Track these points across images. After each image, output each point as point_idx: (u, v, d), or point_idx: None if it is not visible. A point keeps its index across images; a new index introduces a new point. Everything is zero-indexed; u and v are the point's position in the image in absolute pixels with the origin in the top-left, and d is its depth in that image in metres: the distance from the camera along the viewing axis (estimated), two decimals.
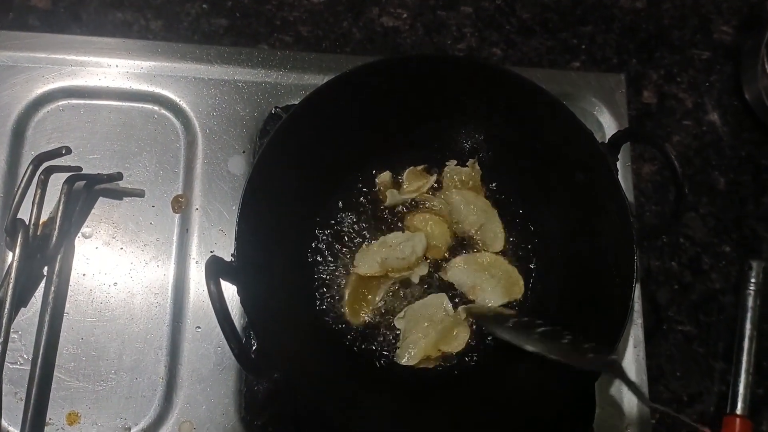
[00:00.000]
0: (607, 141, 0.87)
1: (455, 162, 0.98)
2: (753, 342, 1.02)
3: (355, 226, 0.96)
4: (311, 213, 0.93)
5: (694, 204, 1.09)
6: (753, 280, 1.04)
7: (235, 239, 0.77)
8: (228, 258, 0.76)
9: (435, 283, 0.95)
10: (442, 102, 0.92)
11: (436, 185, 0.99)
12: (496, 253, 0.97)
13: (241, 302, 0.75)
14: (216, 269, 0.70)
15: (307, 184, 0.90)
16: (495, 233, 0.97)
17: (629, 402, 0.97)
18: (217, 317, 0.67)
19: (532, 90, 0.86)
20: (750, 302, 1.03)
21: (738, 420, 0.98)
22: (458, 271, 0.95)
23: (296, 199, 0.89)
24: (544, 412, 0.83)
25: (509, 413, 0.85)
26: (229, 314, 0.67)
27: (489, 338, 0.93)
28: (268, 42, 1.07)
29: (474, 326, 0.93)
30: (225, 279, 0.71)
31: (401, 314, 0.92)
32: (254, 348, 0.82)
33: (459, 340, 0.92)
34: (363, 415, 0.80)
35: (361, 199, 0.97)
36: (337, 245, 0.95)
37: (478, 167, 0.98)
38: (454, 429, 0.83)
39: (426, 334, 0.90)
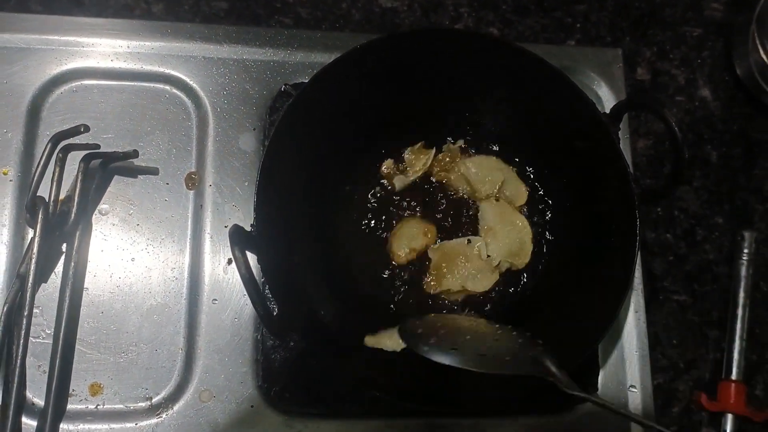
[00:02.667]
0: (609, 112, 0.90)
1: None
2: (746, 310, 1.05)
3: (368, 191, 0.98)
4: (325, 181, 0.95)
5: (687, 177, 1.12)
6: (746, 251, 1.07)
7: (254, 210, 0.79)
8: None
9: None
10: (448, 75, 0.93)
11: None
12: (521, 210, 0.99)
13: (261, 270, 0.77)
14: (238, 236, 0.72)
15: (321, 155, 0.91)
16: (516, 187, 0.99)
17: (631, 363, 1.00)
18: (243, 281, 0.69)
19: (534, 62, 0.87)
20: (743, 272, 1.06)
21: (733, 385, 1.01)
22: (487, 206, 0.98)
23: (311, 170, 0.91)
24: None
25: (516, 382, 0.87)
26: (254, 278, 0.69)
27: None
28: (269, 24, 1.08)
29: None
30: (245, 248, 0.73)
31: (435, 246, 0.96)
32: (275, 313, 0.84)
33: (485, 282, 0.95)
34: (382, 373, 0.82)
35: (376, 163, 0.99)
36: (350, 209, 0.97)
37: (455, 147, 1.00)
38: (468, 385, 0.85)
39: (455, 270, 0.94)
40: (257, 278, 0.72)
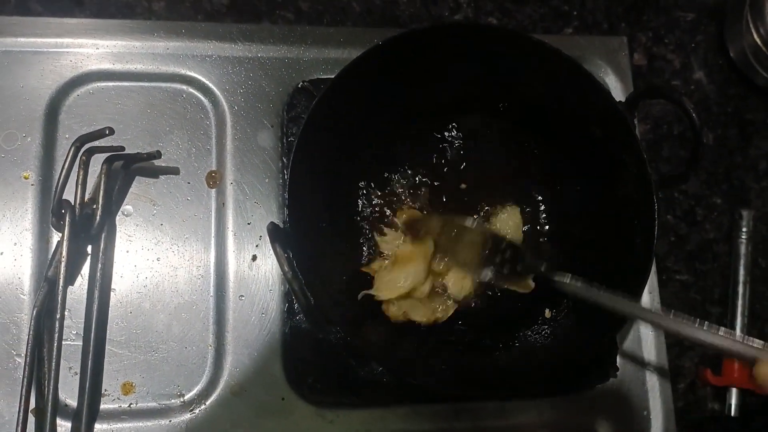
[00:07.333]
0: (625, 100, 0.92)
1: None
2: (746, 287, 1.08)
3: (400, 184, 0.99)
4: (356, 177, 0.96)
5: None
6: (744, 229, 1.10)
7: (287, 207, 0.80)
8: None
9: None
10: (469, 67, 0.94)
11: None
12: None
13: (296, 265, 0.78)
14: (276, 233, 0.74)
15: (351, 151, 0.93)
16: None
17: (647, 343, 1.03)
18: (285, 276, 0.71)
19: (551, 53, 0.89)
20: (742, 249, 1.09)
21: (736, 360, 1.03)
22: None
23: (341, 166, 0.92)
24: (573, 361, 0.89)
25: (543, 367, 0.90)
26: (296, 271, 0.71)
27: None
28: (270, 19, 1.08)
29: None
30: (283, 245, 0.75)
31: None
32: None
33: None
34: (414, 361, 0.84)
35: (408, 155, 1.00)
36: (381, 202, 0.98)
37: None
38: (495, 380, 0.88)
39: None
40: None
